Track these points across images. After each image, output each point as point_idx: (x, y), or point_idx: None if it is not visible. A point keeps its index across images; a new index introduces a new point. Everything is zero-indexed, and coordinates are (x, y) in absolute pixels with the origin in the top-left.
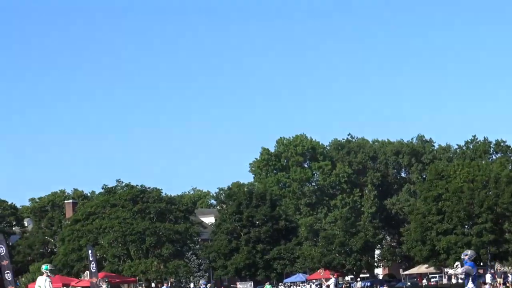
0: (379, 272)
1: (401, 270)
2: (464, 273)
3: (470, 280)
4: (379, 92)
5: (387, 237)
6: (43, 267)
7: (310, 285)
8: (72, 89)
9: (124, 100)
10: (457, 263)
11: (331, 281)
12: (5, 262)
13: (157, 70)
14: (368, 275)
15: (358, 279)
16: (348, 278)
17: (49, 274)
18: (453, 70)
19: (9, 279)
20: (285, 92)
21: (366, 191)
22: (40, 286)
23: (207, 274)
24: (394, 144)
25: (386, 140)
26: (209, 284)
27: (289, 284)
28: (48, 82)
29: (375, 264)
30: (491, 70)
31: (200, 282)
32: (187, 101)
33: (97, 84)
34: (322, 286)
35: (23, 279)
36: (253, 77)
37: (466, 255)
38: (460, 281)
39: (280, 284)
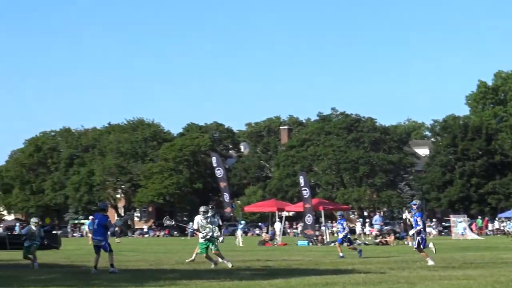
0: None
1: None
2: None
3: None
4: None
5: None
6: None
7: None
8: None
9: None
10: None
11: None
12: (223, 184)
13: None
14: None
15: None
16: None
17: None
18: None
19: (226, 201)
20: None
21: None
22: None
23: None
24: None
25: None
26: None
27: (503, 219)
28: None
29: None
30: None
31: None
32: (404, 26)
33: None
34: None
35: (238, 201)
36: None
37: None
38: None
39: (494, 219)
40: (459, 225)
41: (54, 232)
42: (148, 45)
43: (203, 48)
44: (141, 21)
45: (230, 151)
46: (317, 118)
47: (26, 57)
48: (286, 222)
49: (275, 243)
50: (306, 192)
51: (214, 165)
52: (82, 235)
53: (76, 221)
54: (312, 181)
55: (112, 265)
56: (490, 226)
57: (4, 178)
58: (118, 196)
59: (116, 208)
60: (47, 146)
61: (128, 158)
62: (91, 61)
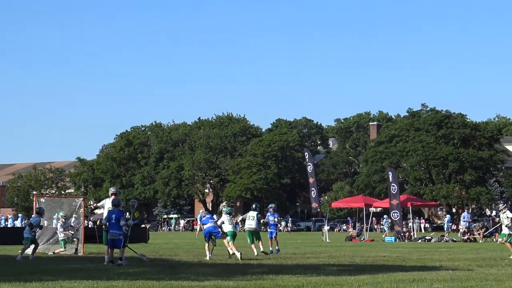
0: None
1: None
2: None
3: None
4: None
5: None
6: (224, 209)
7: None
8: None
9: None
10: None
11: None
12: (311, 180)
13: None
14: None
15: None
16: None
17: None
18: None
19: (314, 196)
20: None
21: None
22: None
23: (509, 202)
24: None
25: None
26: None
27: None
28: None
29: None
30: None
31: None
32: (496, 23)
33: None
34: None
35: (326, 197)
36: None
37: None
38: None
39: None
40: None
41: (142, 226)
42: (237, 41)
43: (294, 43)
44: (232, 19)
45: (319, 147)
46: (407, 114)
47: (121, 55)
48: (373, 218)
49: (362, 238)
50: (394, 188)
51: (306, 160)
52: (170, 229)
53: (165, 216)
54: (400, 177)
55: (121, 258)
56: None
57: (95, 172)
58: (207, 190)
59: (204, 202)
60: (137, 140)
61: (217, 153)
62: (181, 59)
